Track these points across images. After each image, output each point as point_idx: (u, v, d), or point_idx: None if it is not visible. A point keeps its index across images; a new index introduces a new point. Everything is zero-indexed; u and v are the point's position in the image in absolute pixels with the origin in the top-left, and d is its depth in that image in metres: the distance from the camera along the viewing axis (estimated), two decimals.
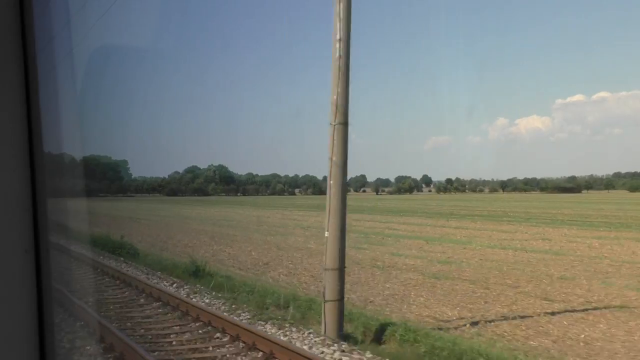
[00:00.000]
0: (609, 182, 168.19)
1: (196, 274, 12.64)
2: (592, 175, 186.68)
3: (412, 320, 8.87)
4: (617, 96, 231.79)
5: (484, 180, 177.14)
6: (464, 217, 39.23)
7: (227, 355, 7.16)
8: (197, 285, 11.47)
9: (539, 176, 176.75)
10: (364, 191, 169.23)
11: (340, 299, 7.82)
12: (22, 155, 1.51)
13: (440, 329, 8.47)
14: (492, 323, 8.89)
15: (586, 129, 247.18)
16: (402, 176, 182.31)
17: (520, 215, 41.26)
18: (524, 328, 8.66)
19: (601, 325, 8.87)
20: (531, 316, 9.42)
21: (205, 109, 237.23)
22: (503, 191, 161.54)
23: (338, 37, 8.03)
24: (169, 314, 9.22)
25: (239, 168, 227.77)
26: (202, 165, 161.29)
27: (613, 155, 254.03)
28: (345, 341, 7.69)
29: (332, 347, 7.40)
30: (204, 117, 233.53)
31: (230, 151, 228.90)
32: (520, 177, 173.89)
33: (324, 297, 7.82)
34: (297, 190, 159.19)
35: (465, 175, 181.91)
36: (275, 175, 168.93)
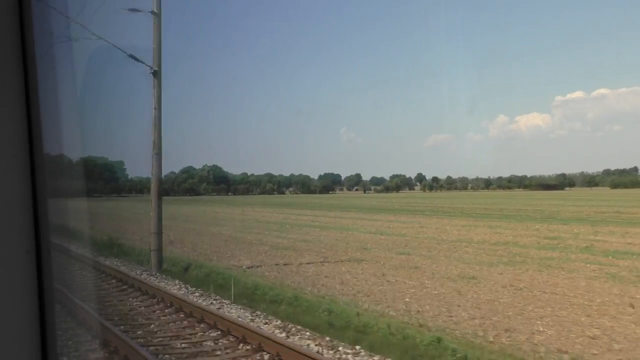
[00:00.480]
0: (591, 180, 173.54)
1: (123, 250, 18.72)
2: (583, 172, 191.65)
3: (218, 265, 14.76)
4: (616, 93, 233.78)
5: (480, 177, 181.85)
6: (396, 212, 45.16)
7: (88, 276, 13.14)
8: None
9: (539, 173, 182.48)
10: (357, 190, 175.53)
11: (159, 250, 13.81)
12: (23, 156, 1.52)
13: (229, 268, 14.36)
14: (263, 268, 14.76)
15: (586, 125, 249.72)
16: (396, 175, 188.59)
17: (445, 210, 47.21)
18: (281, 271, 14.53)
19: (331, 268, 14.74)
20: (292, 264, 15.32)
21: (203, 109, 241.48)
22: (487, 189, 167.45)
23: (153, 105, 13.88)
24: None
25: (235, 168, 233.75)
26: (198, 165, 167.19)
27: (612, 151, 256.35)
28: (163, 274, 13.67)
29: (153, 276, 13.37)
30: (201, 118, 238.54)
31: (227, 152, 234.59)
32: (520, 174, 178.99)
33: (149, 248, 13.90)
34: (290, 189, 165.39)
35: (467, 173, 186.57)
36: (269, 175, 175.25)
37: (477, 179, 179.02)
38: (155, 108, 13.95)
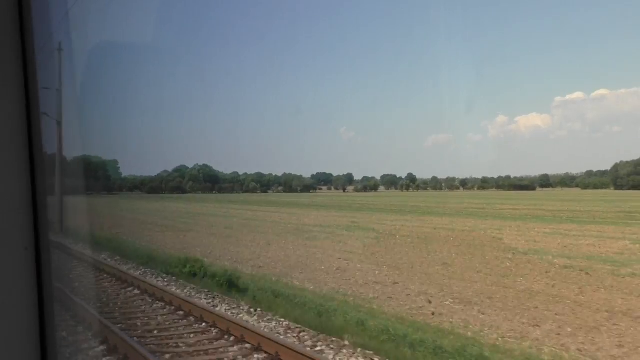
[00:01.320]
0: (562, 181, 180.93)
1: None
2: (567, 173, 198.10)
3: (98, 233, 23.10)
4: (616, 94, 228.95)
5: (478, 177, 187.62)
6: (306, 207, 54.03)
7: None
8: None
9: (538, 173, 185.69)
10: (344, 190, 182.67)
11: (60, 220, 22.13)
12: (22, 154, 1.52)
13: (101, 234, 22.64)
14: (132, 233, 23.08)
15: (586, 126, 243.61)
16: (387, 174, 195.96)
17: (369, 207, 55.72)
18: (135, 233, 22.81)
19: (171, 234, 23.07)
20: (152, 232, 23.67)
21: (197, 109, 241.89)
22: (463, 189, 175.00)
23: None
24: None
25: (233, 167, 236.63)
26: (191, 164, 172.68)
27: (611, 152, 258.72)
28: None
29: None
30: (196, 117, 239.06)
31: (225, 152, 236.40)
32: (519, 175, 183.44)
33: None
34: (273, 188, 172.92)
35: (466, 173, 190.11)
36: (259, 174, 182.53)
37: (468, 179, 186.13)
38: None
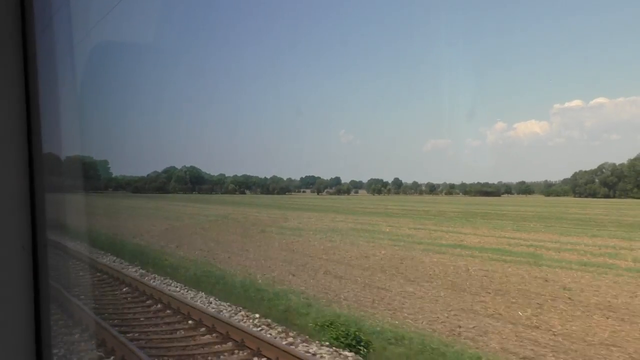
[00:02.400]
0: (527, 188, 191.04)
1: None
2: (546, 180, 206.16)
3: None
4: (615, 102, 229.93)
5: (478, 183, 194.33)
6: (249, 205, 63.53)
7: None
8: None
9: (534, 180, 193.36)
10: (319, 192, 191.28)
11: None
12: (21, 152, 1.52)
13: None
14: None
15: (584, 134, 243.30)
16: (374, 179, 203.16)
17: (288, 207, 65.39)
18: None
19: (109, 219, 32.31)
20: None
21: (195, 111, 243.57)
22: (432, 194, 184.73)
23: None
24: None
25: (224, 169, 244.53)
26: (184, 166, 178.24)
27: (609, 160, 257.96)
28: None
29: None
30: (193, 119, 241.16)
31: (216, 153, 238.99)
32: (516, 181, 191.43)
33: None
34: (259, 190, 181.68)
35: (464, 179, 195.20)
36: (245, 177, 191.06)
37: (436, 185, 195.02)
38: None
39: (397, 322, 10.37)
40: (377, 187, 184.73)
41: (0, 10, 1.46)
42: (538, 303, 12.47)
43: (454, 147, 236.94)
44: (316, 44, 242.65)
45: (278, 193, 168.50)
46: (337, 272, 16.24)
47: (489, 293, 13.51)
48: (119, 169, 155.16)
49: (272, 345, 8.12)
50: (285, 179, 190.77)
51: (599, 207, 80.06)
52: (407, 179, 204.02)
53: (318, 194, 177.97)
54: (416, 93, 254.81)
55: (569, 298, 13.13)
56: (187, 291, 12.95)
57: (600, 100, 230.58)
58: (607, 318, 11.27)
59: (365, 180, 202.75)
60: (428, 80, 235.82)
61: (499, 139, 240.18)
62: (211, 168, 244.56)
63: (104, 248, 20.02)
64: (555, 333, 10.13)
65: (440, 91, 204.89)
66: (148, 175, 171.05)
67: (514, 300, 12.70)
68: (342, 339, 8.47)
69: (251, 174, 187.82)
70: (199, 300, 11.82)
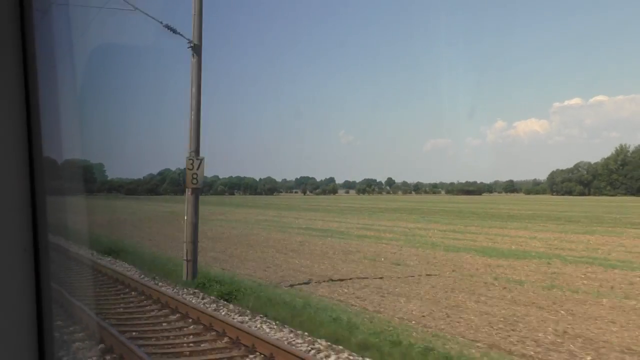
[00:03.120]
0: (508, 186, 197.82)
1: None
2: (535, 179, 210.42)
3: None
4: (614, 100, 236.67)
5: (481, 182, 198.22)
6: (221, 205, 70.11)
7: None
8: None
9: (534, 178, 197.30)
10: (305, 193, 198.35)
11: None
12: (22, 154, 1.53)
13: None
14: None
15: (583, 132, 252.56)
16: (367, 179, 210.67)
17: (260, 205, 72.21)
18: None
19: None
20: None
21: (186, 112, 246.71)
22: (415, 193, 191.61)
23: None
24: None
25: (218, 171, 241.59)
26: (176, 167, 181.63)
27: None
28: None
29: None
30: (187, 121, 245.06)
31: (215, 155, 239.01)
32: (516, 179, 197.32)
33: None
34: (239, 191, 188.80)
35: (465, 178, 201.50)
36: (238, 178, 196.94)
37: (420, 184, 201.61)
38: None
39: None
40: (362, 187, 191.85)
41: (0, 12, 1.46)
42: (318, 254, 19.06)
43: (454, 146, 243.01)
44: (315, 45, 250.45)
45: (266, 194, 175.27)
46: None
47: (297, 252, 20.11)
48: (115, 172, 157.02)
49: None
50: (280, 180, 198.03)
51: (540, 203, 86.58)
52: (408, 179, 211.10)
53: (304, 194, 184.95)
54: (416, 93, 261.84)
55: (343, 252, 19.74)
56: None
57: (600, 98, 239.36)
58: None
59: (359, 180, 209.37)
60: (428, 80, 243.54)
61: (499, 137, 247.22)
62: (208, 170, 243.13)
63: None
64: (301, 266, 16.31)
65: (440, 91, 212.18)
66: (144, 177, 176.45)
67: (308, 256, 19.18)
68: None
69: (245, 175, 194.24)
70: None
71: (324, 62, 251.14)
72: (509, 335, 8.61)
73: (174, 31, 12.96)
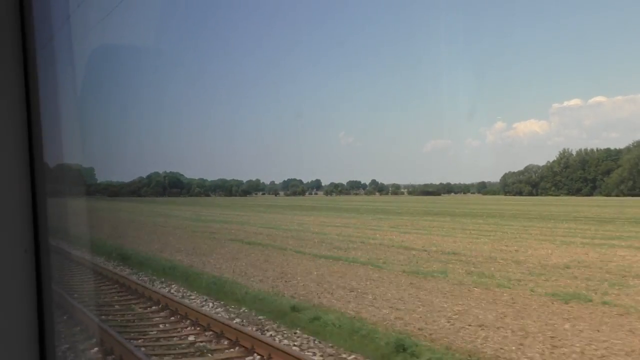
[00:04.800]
0: (466, 188, 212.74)
1: None
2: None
3: None
4: (613, 100, 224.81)
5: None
6: (184, 204, 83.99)
7: None
8: None
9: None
10: (276, 194, 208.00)
11: None
12: (22, 156, 1.54)
13: None
14: None
15: (583, 132, 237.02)
16: (353, 181, 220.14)
17: (213, 204, 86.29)
18: None
19: None
20: None
21: (190, 114, 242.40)
22: (380, 194, 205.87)
23: None
24: None
25: (212, 174, 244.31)
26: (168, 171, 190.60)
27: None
28: None
29: None
30: (189, 123, 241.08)
31: (209, 158, 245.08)
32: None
33: None
34: (222, 192, 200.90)
35: (465, 179, 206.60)
36: (222, 180, 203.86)
37: (383, 185, 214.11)
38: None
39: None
40: (330, 189, 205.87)
41: (1, 17, 1.46)
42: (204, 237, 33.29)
43: (454, 147, 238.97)
44: (315, 46, 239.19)
45: (240, 195, 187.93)
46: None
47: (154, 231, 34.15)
48: (106, 176, 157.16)
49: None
50: (268, 182, 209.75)
51: (472, 203, 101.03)
52: (408, 181, 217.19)
53: (275, 196, 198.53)
54: (416, 93, 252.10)
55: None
56: None
57: (599, 99, 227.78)
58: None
59: (345, 182, 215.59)
60: (427, 80, 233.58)
61: (498, 138, 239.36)
62: (198, 173, 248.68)
63: None
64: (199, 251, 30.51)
65: (439, 91, 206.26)
66: (132, 180, 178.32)
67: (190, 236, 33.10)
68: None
69: (235, 178, 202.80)
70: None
71: (323, 63, 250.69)
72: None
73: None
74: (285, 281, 15.73)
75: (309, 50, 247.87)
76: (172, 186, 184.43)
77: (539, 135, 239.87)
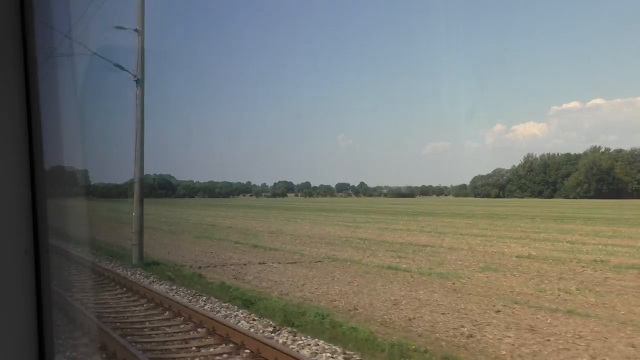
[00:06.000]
0: (440, 190, 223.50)
1: None
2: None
3: None
4: (612, 103, 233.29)
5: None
6: (158, 204, 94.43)
7: None
8: None
9: None
10: (257, 196, 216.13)
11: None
12: (22, 157, 1.54)
13: None
14: None
15: (581, 135, 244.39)
16: (341, 183, 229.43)
17: (187, 204, 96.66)
18: None
19: None
20: None
21: (188, 116, 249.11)
22: (356, 196, 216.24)
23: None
24: None
25: (203, 176, 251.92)
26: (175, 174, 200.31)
27: None
28: None
29: None
30: (187, 124, 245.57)
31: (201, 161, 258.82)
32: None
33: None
34: (205, 194, 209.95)
35: (464, 181, 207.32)
36: (211, 182, 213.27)
37: (358, 188, 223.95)
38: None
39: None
40: (308, 191, 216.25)
41: (1, 14, 1.46)
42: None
43: (454, 149, 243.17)
44: (315, 50, 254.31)
45: (223, 196, 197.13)
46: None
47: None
48: (101, 178, 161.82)
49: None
50: (260, 184, 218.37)
51: (431, 204, 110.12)
52: (407, 183, 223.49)
53: (257, 197, 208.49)
54: (416, 96, 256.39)
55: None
56: None
57: (598, 101, 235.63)
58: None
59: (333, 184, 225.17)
60: (428, 83, 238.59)
61: (497, 141, 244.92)
62: (193, 175, 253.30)
63: None
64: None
65: (439, 94, 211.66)
66: (125, 182, 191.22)
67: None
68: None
69: (227, 180, 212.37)
70: None
71: (323, 65, 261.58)
72: None
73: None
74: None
75: (310, 53, 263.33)
76: (161, 188, 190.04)
77: (538, 138, 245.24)
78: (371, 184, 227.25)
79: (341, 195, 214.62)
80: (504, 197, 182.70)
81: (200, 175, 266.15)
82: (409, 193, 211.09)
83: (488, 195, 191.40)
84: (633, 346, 8.81)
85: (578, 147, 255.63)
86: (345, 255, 20.66)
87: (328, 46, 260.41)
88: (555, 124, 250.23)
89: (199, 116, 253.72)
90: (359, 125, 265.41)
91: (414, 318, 10.61)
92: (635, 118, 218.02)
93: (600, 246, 24.37)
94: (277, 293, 13.04)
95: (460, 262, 18.95)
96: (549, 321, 10.42)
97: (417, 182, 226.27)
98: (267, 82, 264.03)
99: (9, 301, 1.52)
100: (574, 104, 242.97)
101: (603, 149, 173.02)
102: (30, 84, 1.55)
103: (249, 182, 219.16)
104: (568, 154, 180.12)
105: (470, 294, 13.18)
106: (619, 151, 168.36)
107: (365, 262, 18.88)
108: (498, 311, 11.26)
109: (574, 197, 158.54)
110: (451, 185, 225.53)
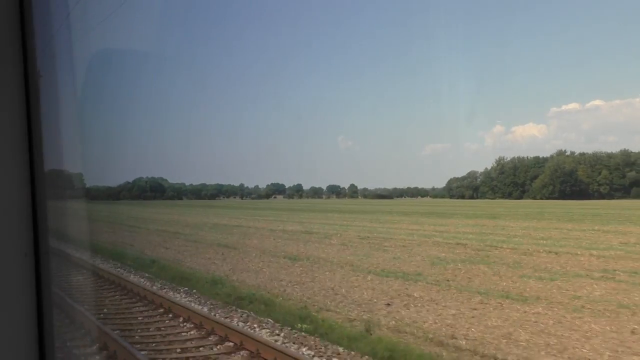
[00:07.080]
0: (422, 192, 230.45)
1: None
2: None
3: None
4: (611, 104, 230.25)
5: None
6: (141, 205, 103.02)
7: None
8: None
9: None
10: (242, 198, 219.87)
11: None
12: (22, 159, 1.54)
13: None
14: None
15: (581, 136, 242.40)
16: (333, 185, 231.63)
17: (171, 205, 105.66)
18: None
19: None
20: None
21: (187, 116, 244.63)
22: (337, 197, 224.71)
23: None
24: None
25: (192, 179, 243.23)
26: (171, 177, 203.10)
27: None
28: None
29: None
30: (185, 126, 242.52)
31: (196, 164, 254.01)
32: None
33: None
34: (193, 196, 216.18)
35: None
36: (202, 185, 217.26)
37: (341, 189, 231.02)
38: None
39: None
40: (291, 193, 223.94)
41: (1, 20, 1.46)
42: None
43: (453, 150, 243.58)
44: (315, 51, 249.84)
45: (209, 198, 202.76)
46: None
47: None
48: (96, 180, 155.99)
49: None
50: (252, 186, 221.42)
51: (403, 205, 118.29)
52: (407, 184, 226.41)
53: (242, 199, 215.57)
54: (415, 98, 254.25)
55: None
56: None
57: (597, 102, 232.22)
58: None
59: (324, 186, 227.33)
60: (427, 84, 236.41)
61: (497, 142, 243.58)
62: (186, 178, 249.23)
63: None
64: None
65: (439, 96, 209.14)
66: (119, 185, 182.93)
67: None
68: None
69: (219, 182, 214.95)
70: None
71: (323, 67, 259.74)
72: None
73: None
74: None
75: (310, 54, 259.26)
76: (152, 190, 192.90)
77: (537, 139, 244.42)
78: (370, 186, 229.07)
79: (324, 197, 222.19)
80: (477, 198, 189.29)
81: (195, 178, 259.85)
82: (387, 195, 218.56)
83: (462, 197, 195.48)
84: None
85: (577, 148, 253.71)
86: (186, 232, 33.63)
87: (328, 46, 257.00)
88: (555, 125, 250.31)
89: (200, 117, 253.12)
90: (359, 126, 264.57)
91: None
92: (634, 119, 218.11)
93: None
94: None
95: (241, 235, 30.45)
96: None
97: (418, 184, 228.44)
98: (267, 82, 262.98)
99: (10, 303, 1.52)
100: (573, 106, 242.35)
101: (568, 153, 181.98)
102: (30, 83, 1.56)
103: (241, 185, 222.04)
104: (537, 157, 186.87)
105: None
106: (582, 154, 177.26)
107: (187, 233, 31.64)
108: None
109: (540, 198, 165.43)
110: (432, 187, 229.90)
